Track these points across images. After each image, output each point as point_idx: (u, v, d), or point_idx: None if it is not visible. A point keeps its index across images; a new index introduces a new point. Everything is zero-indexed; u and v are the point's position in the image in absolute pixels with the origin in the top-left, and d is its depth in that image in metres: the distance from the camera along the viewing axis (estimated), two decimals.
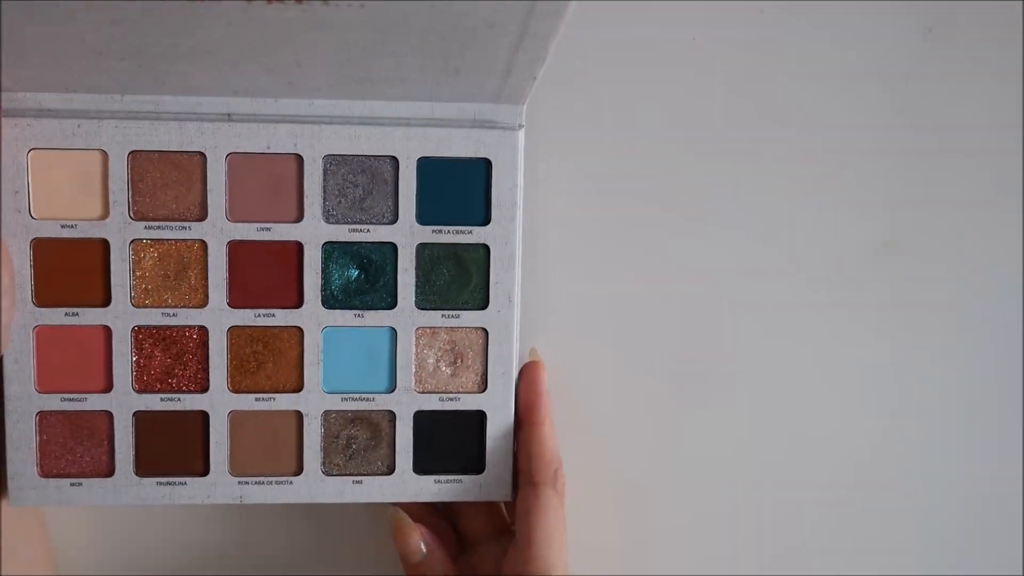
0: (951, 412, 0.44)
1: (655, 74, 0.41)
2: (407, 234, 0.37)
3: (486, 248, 0.37)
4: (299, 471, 0.38)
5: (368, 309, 0.37)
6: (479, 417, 0.38)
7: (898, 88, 0.42)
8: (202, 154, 0.36)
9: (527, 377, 0.38)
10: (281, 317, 0.37)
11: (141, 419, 0.37)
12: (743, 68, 0.41)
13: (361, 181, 0.37)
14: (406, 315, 0.37)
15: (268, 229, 0.36)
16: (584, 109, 0.41)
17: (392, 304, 0.37)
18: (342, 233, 0.37)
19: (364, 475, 0.38)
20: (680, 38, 0.41)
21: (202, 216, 0.36)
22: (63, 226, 0.35)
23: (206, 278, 0.36)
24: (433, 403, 0.38)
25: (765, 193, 0.42)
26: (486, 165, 0.37)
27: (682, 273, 0.42)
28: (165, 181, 0.36)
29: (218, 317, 0.37)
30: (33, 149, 0.35)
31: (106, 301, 0.36)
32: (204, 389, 0.37)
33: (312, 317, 0.37)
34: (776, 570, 0.44)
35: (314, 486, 0.38)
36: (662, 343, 0.43)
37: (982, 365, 0.44)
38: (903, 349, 0.44)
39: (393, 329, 0.37)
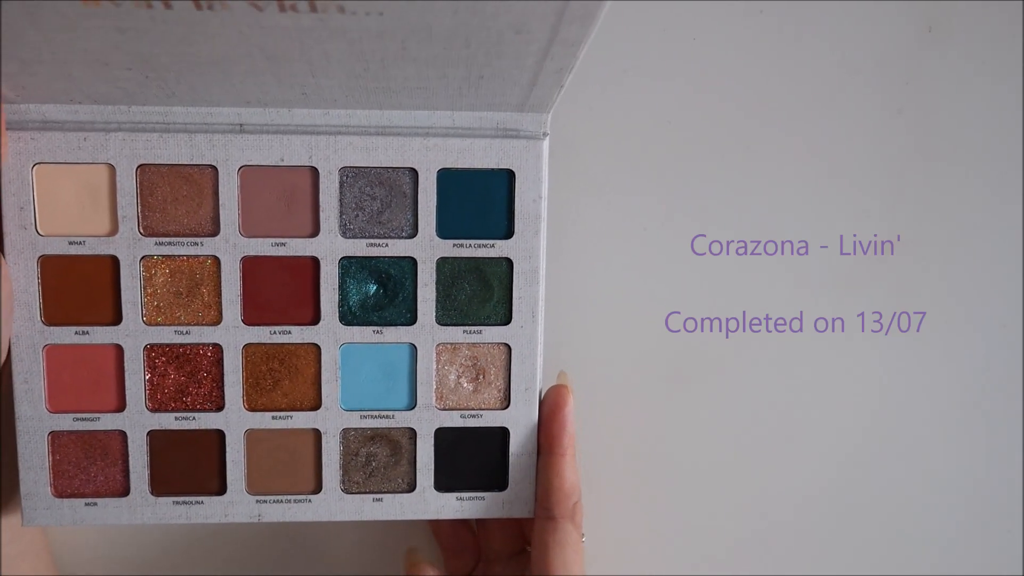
0: (951, 412, 0.44)
1: (655, 75, 0.40)
2: (427, 248, 0.36)
3: (509, 262, 0.36)
4: (318, 489, 0.37)
5: (387, 325, 0.36)
6: (501, 434, 0.37)
7: (898, 88, 0.41)
8: (213, 167, 0.34)
9: (553, 403, 0.37)
10: (297, 334, 0.36)
11: (155, 438, 0.36)
12: (743, 68, 0.40)
13: (379, 194, 0.35)
14: (426, 331, 0.36)
15: (283, 244, 0.35)
16: (583, 112, 0.40)
17: (412, 320, 0.36)
18: (360, 248, 0.35)
19: (384, 493, 0.37)
20: (680, 38, 0.40)
21: (214, 231, 0.35)
22: (71, 242, 0.34)
23: (219, 295, 0.35)
24: (455, 420, 0.37)
25: (765, 192, 0.41)
26: (509, 176, 0.35)
27: (691, 277, 0.42)
28: (175, 195, 0.34)
29: (232, 335, 0.35)
30: (38, 163, 0.34)
31: (117, 319, 0.35)
32: (219, 408, 0.36)
33: (329, 334, 0.36)
34: (779, 570, 0.44)
35: (333, 504, 0.37)
36: (675, 349, 0.42)
37: (982, 365, 0.43)
38: (903, 349, 0.43)
39: (413, 346, 0.36)
